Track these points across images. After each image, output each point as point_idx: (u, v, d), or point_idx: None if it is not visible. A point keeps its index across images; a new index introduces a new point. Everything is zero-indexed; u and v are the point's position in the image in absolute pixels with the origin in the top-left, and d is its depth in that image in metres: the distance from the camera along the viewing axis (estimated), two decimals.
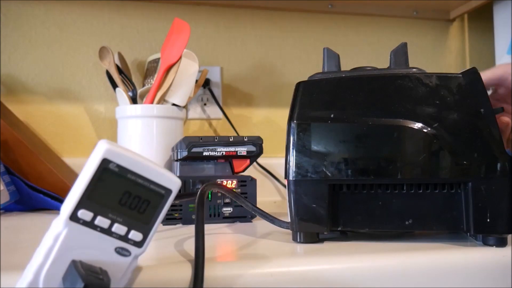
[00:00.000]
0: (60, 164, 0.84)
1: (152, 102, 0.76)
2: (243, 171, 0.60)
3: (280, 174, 0.97)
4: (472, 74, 0.41)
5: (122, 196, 0.29)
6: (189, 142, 0.57)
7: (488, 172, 0.39)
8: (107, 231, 0.28)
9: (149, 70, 0.89)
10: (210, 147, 0.58)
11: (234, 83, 1.00)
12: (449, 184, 0.41)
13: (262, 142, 0.59)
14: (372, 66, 0.46)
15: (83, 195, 0.28)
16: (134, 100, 0.81)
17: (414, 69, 0.43)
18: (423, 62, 1.10)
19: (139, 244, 0.29)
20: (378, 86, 0.42)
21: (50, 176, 0.73)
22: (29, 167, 0.73)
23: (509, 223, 0.39)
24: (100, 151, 0.28)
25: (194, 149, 0.57)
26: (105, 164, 0.28)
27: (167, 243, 0.43)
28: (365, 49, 1.07)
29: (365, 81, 0.43)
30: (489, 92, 0.59)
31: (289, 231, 0.46)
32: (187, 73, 0.80)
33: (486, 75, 0.57)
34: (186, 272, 0.33)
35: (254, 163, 0.95)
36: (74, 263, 0.27)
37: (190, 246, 0.41)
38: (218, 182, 0.57)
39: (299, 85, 0.44)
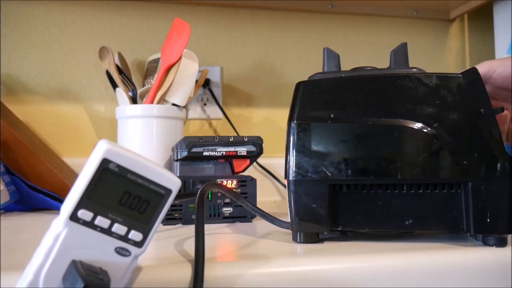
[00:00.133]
0: (60, 164, 0.84)
1: (152, 102, 0.76)
2: (243, 171, 0.60)
3: (280, 174, 0.97)
4: (472, 74, 0.41)
5: (122, 196, 0.29)
6: (189, 142, 0.57)
7: (488, 172, 0.39)
8: (107, 231, 0.28)
9: (149, 70, 0.89)
10: (210, 147, 0.58)
11: (234, 83, 1.00)
12: (449, 184, 0.41)
13: (262, 142, 0.59)
14: (372, 66, 0.46)
15: (83, 195, 0.28)
16: (134, 100, 0.81)
17: (414, 69, 0.43)
18: (423, 62, 1.10)
19: (139, 244, 0.30)
20: (378, 86, 0.42)
21: (50, 176, 0.73)
22: (29, 167, 0.73)
23: (509, 223, 0.39)
24: (100, 151, 0.28)
25: (194, 149, 0.57)
26: (105, 164, 0.28)
27: (167, 243, 0.43)
28: (365, 49, 1.07)
29: (365, 81, 0.43)
30: None
31: (289, 231, 0.46)
32: (187, 73, 0.80)
33: None
34: (186, 272, 0.33)
35: (254, 163, 0.95)
36: (74, 263, 0.27)
37: (190, 246, 0.41)
38: (218, 182, 0.57)
39: (299, 85, 0.44)
